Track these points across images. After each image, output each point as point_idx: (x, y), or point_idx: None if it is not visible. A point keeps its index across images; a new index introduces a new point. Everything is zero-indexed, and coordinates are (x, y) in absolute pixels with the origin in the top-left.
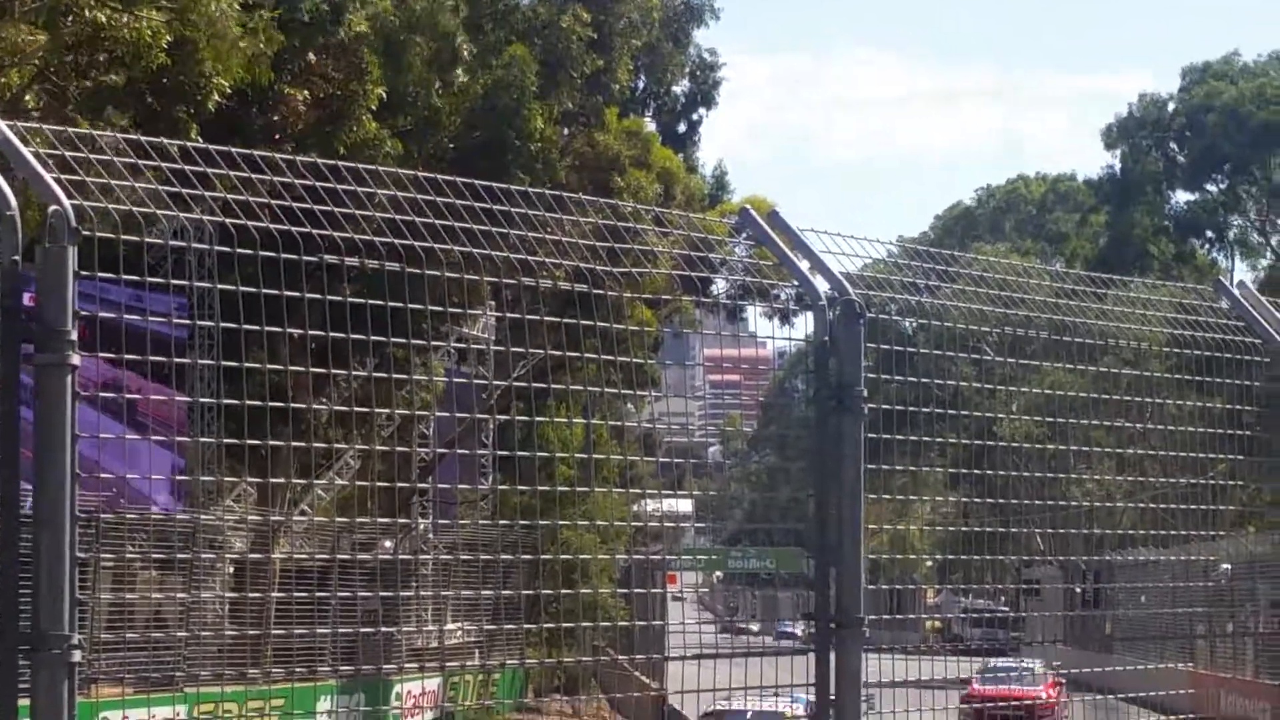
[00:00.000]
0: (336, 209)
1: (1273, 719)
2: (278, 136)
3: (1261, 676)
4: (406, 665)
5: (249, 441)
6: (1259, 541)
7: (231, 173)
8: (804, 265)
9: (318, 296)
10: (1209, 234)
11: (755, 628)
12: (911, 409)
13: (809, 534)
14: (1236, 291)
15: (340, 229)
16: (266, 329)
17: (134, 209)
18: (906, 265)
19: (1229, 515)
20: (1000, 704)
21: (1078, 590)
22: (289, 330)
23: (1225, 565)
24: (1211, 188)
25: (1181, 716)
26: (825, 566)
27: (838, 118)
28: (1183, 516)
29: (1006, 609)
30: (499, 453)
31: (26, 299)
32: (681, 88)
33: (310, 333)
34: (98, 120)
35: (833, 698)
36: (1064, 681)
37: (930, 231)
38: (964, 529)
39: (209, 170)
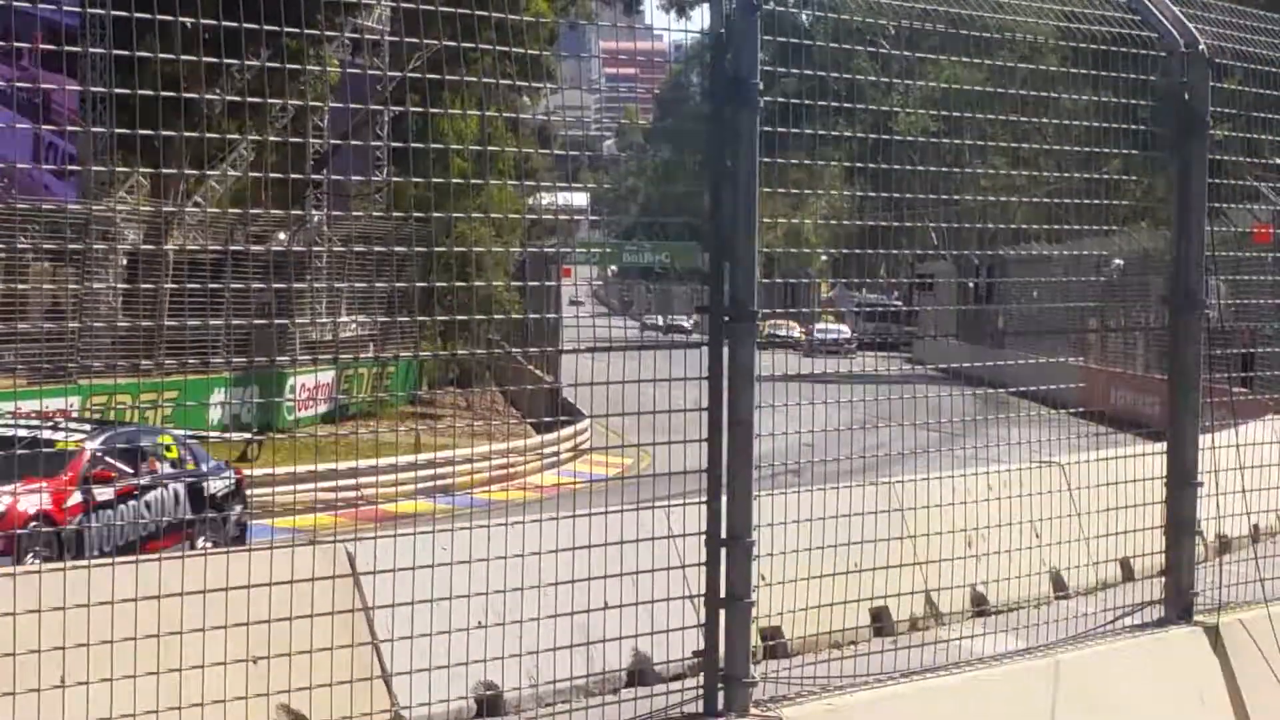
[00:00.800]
0: None
1: (1160, 412)
2: None
3: (1151, 371)
4: (300, 358)
5: (141, 131)
6: (1151, 237)
7: None
8: None
9: None
10: None
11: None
12: (807, 103)
13: (704, 228)
14: None
15: None
16: (159, 17)
17: None
18: None
19: (1122, 210)
20: None
21: (971, 285)
22: (182, 19)
23: (1118, 260)
24: None
25: (1071, 410)
26: (720, 261)
27: None
28: (1076, 212)
29: (899, 303)
30: (393, 145)
31: None
32: None
33: (203, 22)
34: None
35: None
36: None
37: None
38: (859, 224)
39: None
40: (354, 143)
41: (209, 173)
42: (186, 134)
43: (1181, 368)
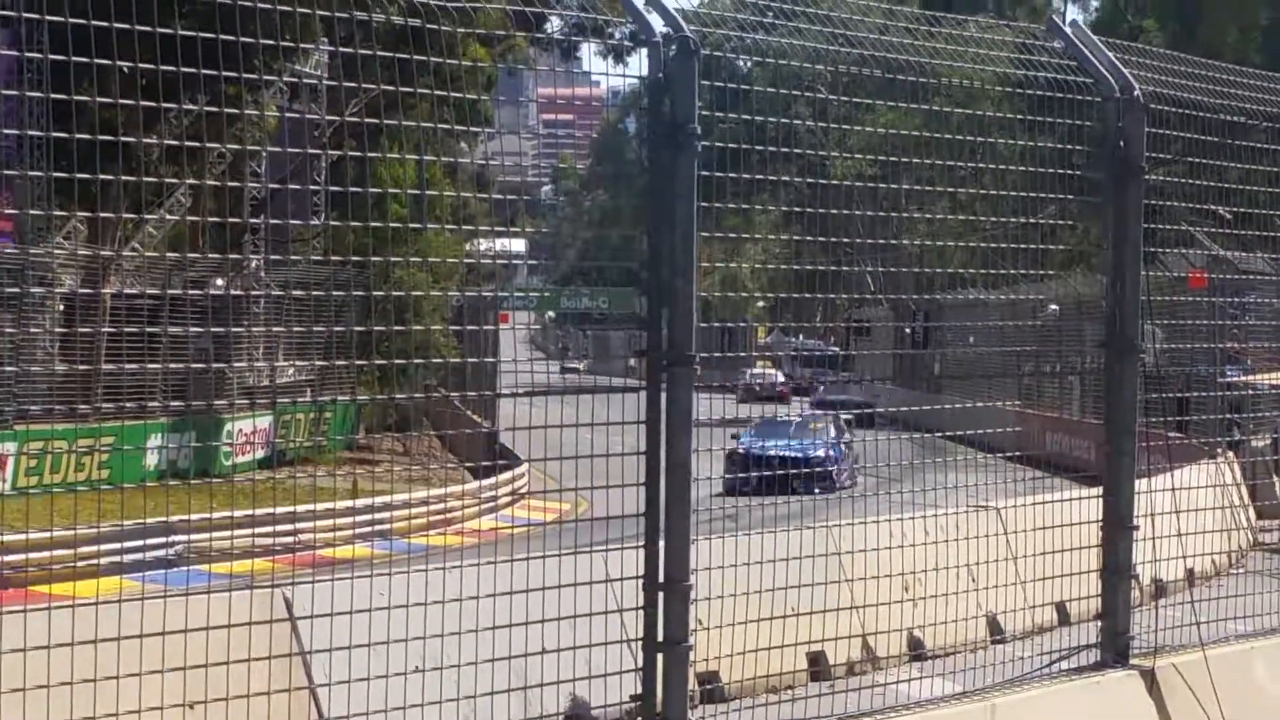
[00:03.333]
0: None
1: (1095, 456)
2: None
3: (1087, 415)
4: (238, 402)
5: (79, 176)
6: (1086, 282)
7: None
8: (639, 1)
9: (148, 29)
10: None
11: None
12: (745, 147)
13: (642, 273)
14: (1069, 31)
15: None
16: (96, 62)
17: None
18: (743, 3)
19: (1058, 256)
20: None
21: (908, 330)
22: (119, 64)
23: (1053, 306)
24: None
25: (1007, 454)
26: (658, 305)
27: None
28: (1012, 257)
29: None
30: (331, 189)
31: None
32: None
33: (141, 66)
34: None
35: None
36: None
37: None
38: (795, 268)
39: None
40: (291, 187)
41: (146, 217)
42: (124, 179)
43: (1118, 412)
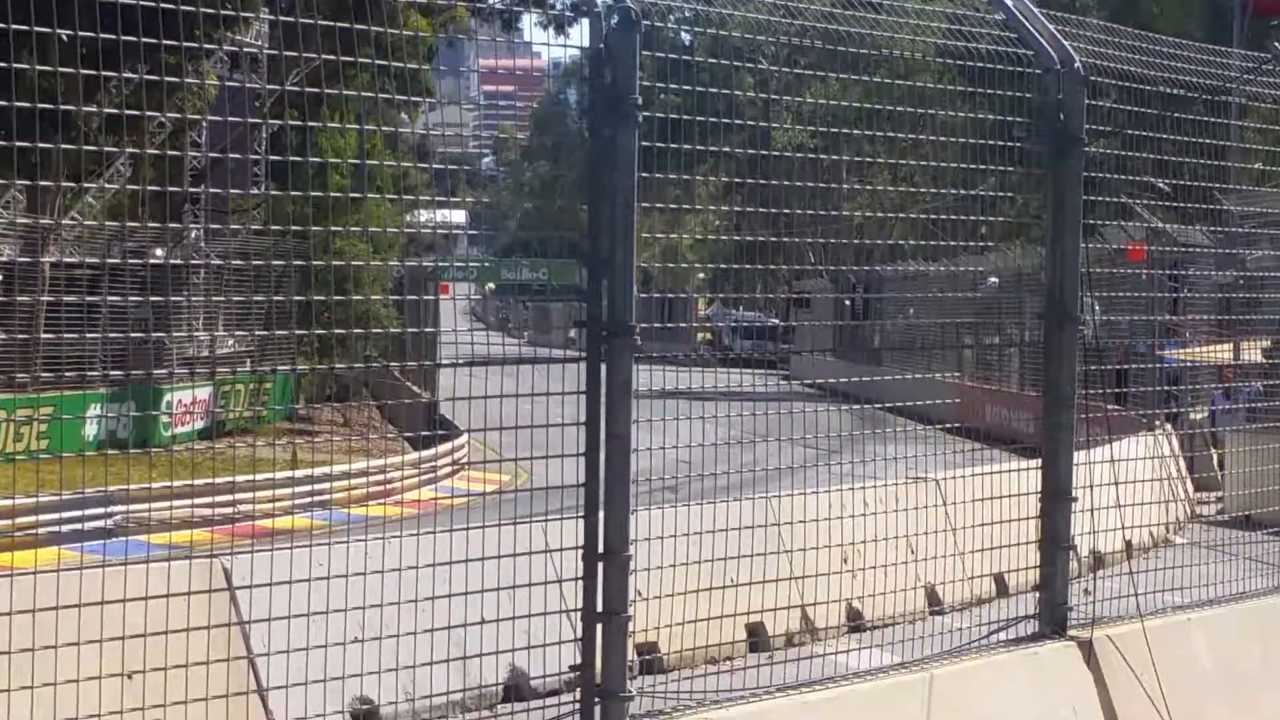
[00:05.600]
0: None
1: (1034, 428)
2: None
3: (1026, 387)
4: (177, 372)
5: (18, 144)
6: (1026, 254)
7: None
8: None
9: None
10: None
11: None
12: (687, 119)
13: (582, 245)
14: (1010, 3)
15: None
16: (35, 29)
17: None
18: None
19: (998, 228)
20: None
21: (847, 302)
22: (59, 32)
23: (993, 278)
24: None
25: (946, 425)
26: (598, 277)
27: None
28: (952, 228)
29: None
30: (272, 159)
31: None
32: None
33: (81, 35)
34: None
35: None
36: None
37: None
38: (735, 239)
39: None
40: (232, 157)
41: (86, 186)
42: (64, 147)
43: (1056, 384)
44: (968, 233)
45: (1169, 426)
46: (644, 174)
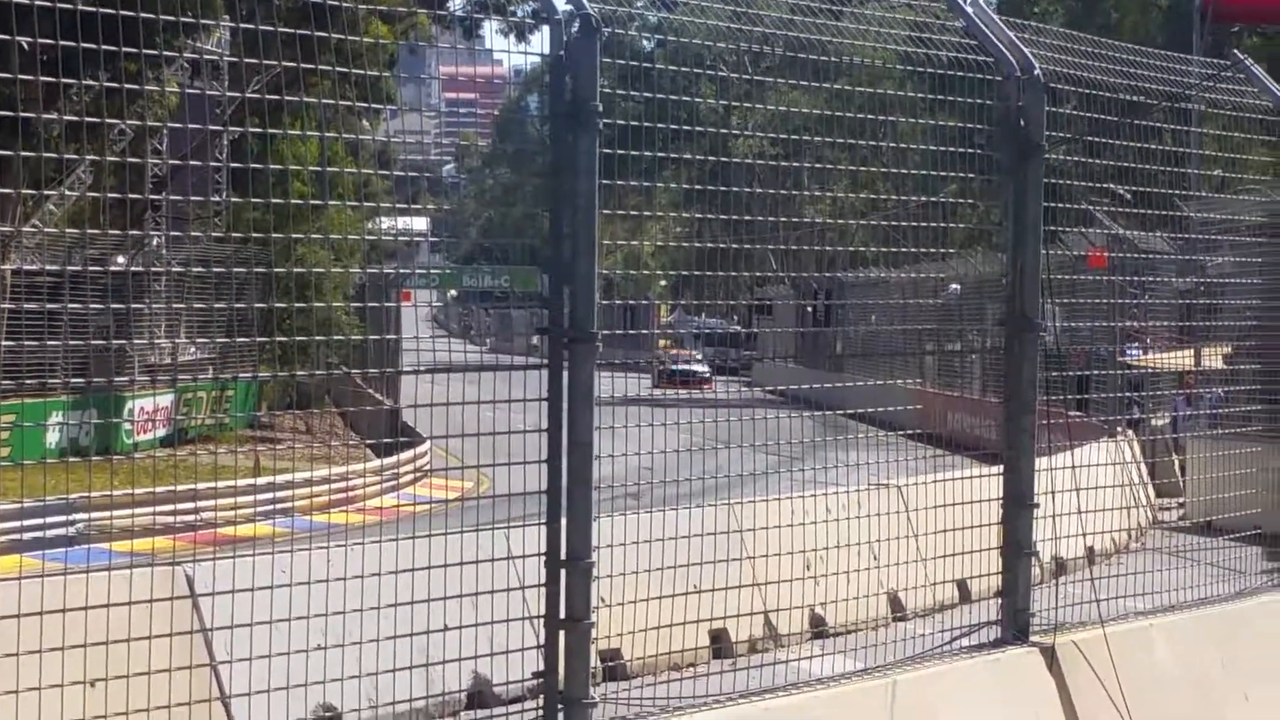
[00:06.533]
0: None
1: (996, 434)
2: None
3: (987, 394)
4: (139, 380)
5: None
6: (987, 261)
7: None
8: None
9: (48, 4)
10: None
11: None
12: (648, 126)
13: (544, 251)
14: (970, 10)
15: None
16: None
17: None
18: None
19: (959, 234)
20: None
21: (809, 308)
22: (19, 39)
23: (954, 285)
24: None
25: (908, 432)
26: (560, 283)
27: None
28: (914, 235)
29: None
30: (233, 166)
31: None
32: None
33: (41, 41)
34: None
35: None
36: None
37: None
38: (697, 246)
39: None
40: (193, 164)
41: (47, 193)
42: (24, 154)
43: (1017, 390)
44: (929, 239)
45: (1130, 433)
46: (605, 181)
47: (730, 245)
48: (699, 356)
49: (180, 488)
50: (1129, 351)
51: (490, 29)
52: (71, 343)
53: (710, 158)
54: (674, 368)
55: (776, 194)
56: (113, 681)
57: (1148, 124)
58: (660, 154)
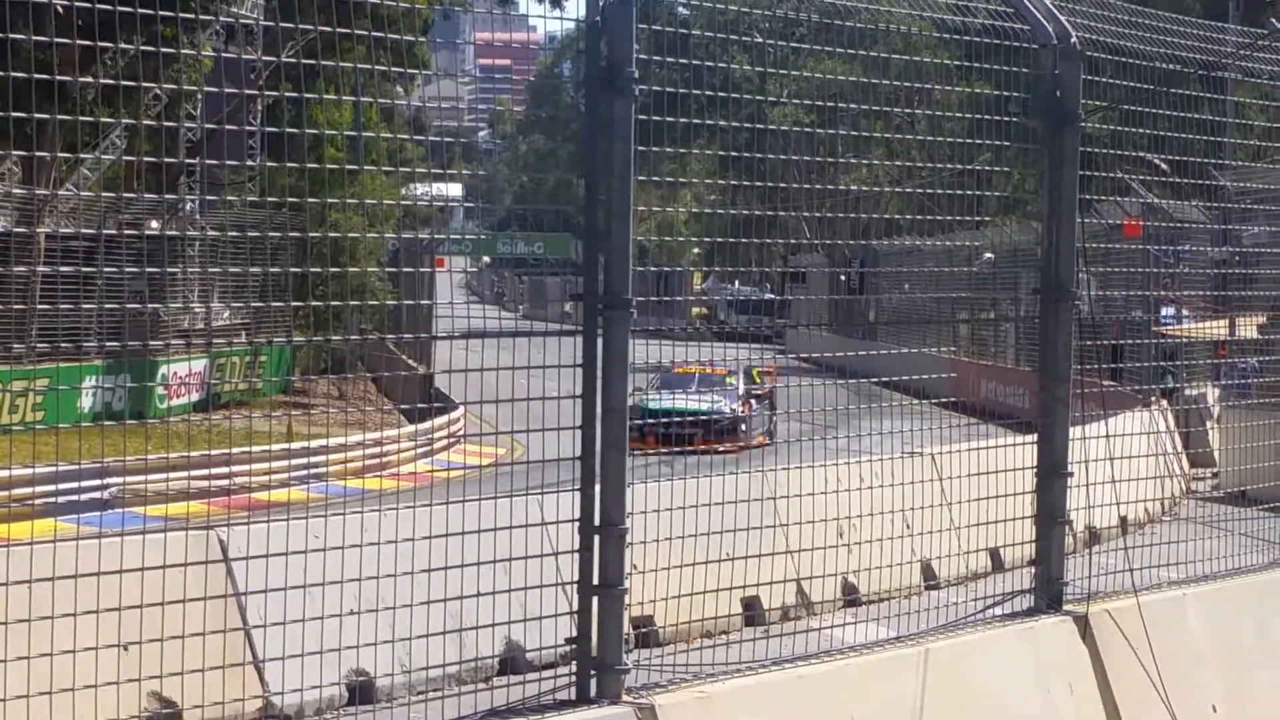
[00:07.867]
0: None
1: (1029, 403)
2: None
3: (1021, 362)
4: (173, 344)
5: (14, 114)
6: (1022, 229)
7: None
8: None
9: None
10: None
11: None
12: (683, 92)
13: (578, 218)
14: None
15: None
16: (32, 1)
17: None
18: None
19: (993, 203)
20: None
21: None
22: (55, 3)
23: (988, 253)
24: None
25: (941, 400)
26: (594, 249)
27: None
28: (948, 204)
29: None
30: (267, 131)
31: None
32: None
33: (77, 5)
34: None
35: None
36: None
37: None
38: (731, 213)
39: None
40: (227, 129)
41: (82, 157)
42: (59, 119)
43: (1052, 359)
44: (964, 207)
45: (1164, 402)
46: (640, 147)
47: (764, 213)
48: (729, 372)
49: (213, 452)
50: (1163, 317)
51: None
52: (106, 307)
53: (745, 125)
54: (655, 405)
55: (811, 161)
56: (147, 645)
57: (1184, 93)
58: (695, 121)
